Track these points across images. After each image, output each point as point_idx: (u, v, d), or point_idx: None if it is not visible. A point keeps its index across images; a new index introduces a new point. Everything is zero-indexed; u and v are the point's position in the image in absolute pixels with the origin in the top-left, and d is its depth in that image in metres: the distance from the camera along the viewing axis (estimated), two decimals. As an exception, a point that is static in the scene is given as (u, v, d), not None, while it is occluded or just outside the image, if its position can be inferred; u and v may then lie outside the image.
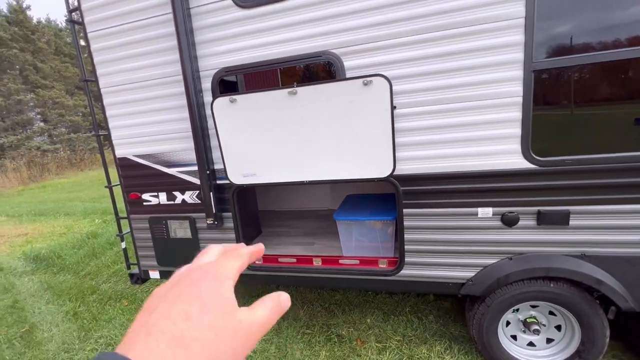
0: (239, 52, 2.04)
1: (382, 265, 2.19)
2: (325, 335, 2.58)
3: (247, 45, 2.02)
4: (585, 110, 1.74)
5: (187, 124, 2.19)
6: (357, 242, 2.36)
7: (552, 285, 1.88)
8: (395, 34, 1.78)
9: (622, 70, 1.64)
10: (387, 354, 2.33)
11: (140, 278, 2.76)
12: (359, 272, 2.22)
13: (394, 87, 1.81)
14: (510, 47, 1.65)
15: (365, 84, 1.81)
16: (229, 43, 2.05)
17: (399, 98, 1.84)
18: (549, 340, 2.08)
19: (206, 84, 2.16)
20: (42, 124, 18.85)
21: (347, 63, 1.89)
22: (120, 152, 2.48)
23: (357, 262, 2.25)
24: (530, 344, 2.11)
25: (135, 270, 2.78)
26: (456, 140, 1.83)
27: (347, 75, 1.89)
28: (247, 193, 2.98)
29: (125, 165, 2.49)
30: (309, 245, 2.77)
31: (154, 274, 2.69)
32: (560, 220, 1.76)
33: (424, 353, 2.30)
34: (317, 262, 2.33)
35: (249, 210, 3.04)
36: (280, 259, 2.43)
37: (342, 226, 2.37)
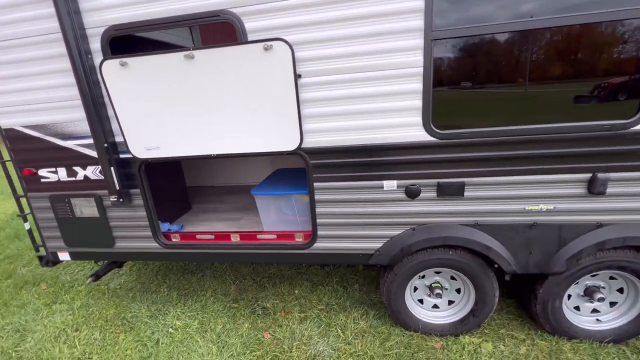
0: (129, 7, 1.79)
1: (299, 239, 2.19)
2: (251, 309, 2.60)
3: (136, -1, 1.77)
4: (483, 84, 1.74)
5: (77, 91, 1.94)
6: (277, 217, 2.33)
7: (451, 252, 1.98)
8: (296, -6, 1.64)
9: (522, 44, 1.65)
10: (308, 322, 2.41)
11: (50, 260, 2.56)
12: (276, 246, 2.20)
13: (298, 54, 1.71)
14: (410, 14, 1.58)
15: (266, 49, 1.68)
16: (115, -4, 1.79)
17: (304, 66, 1.74)
18: (450, 302, 2.24)
19: (95, 44, 1.90)
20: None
21: (249, 25, 1.72)
22: (5, 123, 2.17)
23: (275, 236, 2.23)
24: (435, 306, 2.26)
25: (43, 252, 2.57)
26: (362, 112, 1.78)
27: (250, 39, 1.74)
28: (167, 167, 2.80)
29: (13, 137, 2.19)
30: (235, 220, 2.71)
31: (64, 256, 2.50)
32: (457, 192, 1.83)
33: (341, 320, 2.40)
34: (235, 238, 2.28)
35: (173, 186, 2.88)
36: (198, 236, 2.34)
37: (260, 201, 2.32)
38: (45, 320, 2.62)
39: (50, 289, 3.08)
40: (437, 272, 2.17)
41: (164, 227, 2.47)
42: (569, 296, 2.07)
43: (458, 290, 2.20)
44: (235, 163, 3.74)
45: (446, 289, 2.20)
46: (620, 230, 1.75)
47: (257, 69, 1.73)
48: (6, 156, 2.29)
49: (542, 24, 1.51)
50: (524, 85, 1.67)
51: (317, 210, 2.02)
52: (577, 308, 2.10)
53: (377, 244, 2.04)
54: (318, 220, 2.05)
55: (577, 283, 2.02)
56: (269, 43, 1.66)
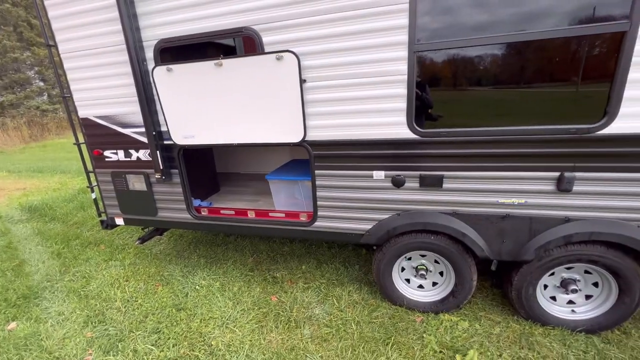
0: (174, 25, 2.27)
1: (302, 218, 2.57)
2: (263, 277, 3.05)
3: (179, 19, 2.24)
4: (459, 89, 1.98)
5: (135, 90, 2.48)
6: (286, 199, 2.73)
7: (432, 237, 2.25)
8: (303, 14, 2.00)
9: (493, 54, 1.86)
10: (309, 291, 2.80)
11: (109, 224, 3.20)
12: (284, 223, 2.61)
13: (304, 62, 2.07)
14: (396, 30, 1.88)
15: (278, 59, 2.06)
16: (164, 16, 2.27)
17: (308, 72, 2.10)
18: (434, 284, 2.50)
19: (149, 54, 2.41)
20: (41, 83, 18.91)
21: (266, 39, 2.12)
22: (82, 113, 2.79)
23: (283, 215, 2.63)
24: (420, 286, 2.54)
25: (104, 217, 3.22)
26: (356, 112, 2.11)
27: (266, 50, 2.14)
28: (200, 154, 3.32)
29: (87, 125, 2.81)
30: (254, 201, 3.16)
31: (119, 221, 3.12)
32: (436, 183, 2.09)
33: (338, 292, 2.76)
34: (251, 214, 2.72)
35: (204, 169, 3.41)
36: (222, 211, 2.82)
37: (273, 185, 2.73)
38: (104, 272, 3.29)
39: (107, 249, 3.79)
40: (423, 256, 2.44)
41: (196, 202, 2.99)
42: (545, 286, 2.24)
43: (441, 273, 2.45)
44: (260, 154, 4.21)
45: (430, 271, 2.46)
46: (587, 225, 1.91)
47: (271, 74, 2.12)
48: (80, 140, 2.93)
49: (505, 39, 1.73)
50: (495, 91, 1.89)
51: (318, 194, 2.39)
52: (553, 298, 2.26)
53: (368, 226, 2.36)
54: (318, 203, 2.41)
55: (553, 274, 2.18)
56: (280, 54, 2.04)
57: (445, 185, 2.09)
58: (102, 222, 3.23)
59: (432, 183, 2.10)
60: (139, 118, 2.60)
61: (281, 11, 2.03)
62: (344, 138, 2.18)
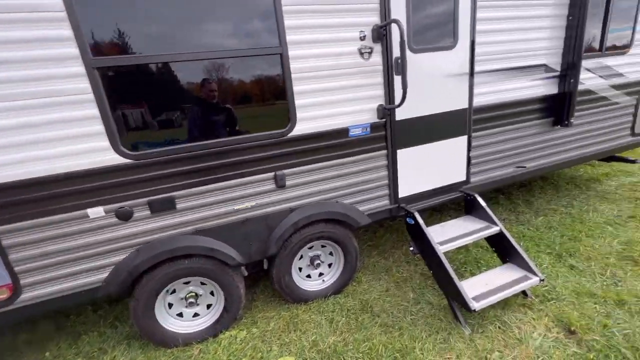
0: None
1: (1, 295, 1.83)
2: (-39, 402, 2.00)
3: None
4: (161, 107, 1.93)
5: None
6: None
7: (186, 262, 2.11)
8: None
9: (180, 73, 1.89)
10: (49, 386, 2.06)
11: None
12: (-35, 313, 1.77)
13: None
14: (61, 41, 1.58)
15: None
16: None
17: None
18: (209, 306, 2.40)
19: None
20: None
21: None
22: None
23: (-37, 301, 1.79)
24: (196, 314, 2.37)
25: None
26: (39, 141, 1.65)
27: None
28: None
29: None
30: None
31: None
32: (169, 206, 1.97)
33: (95, 366, 2.17)
34: None
35: None
36: None
37: None
38: None
39: None
40: (187, 283, 2.27)
41: None
42: (300, 269, 2.59)
43: (212, 293, 2.37)
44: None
45: (201, 295, 2.33)
46: (305, 211, 2.31)
47: None
48: None
49: (189, 57, 1.81)
50: (199, 106, 1.96)
51: (11, 257, 1.75)
52: (308, 276, 2.64)
53: (102, 275, 1.95)
54: (16, 269, 1.77)
55: (301, 257, 2.54)
56: None
57: (179, 206, 1.99)
58: None
59: (164, 207, 1.96)
60: None
61: None
62: (30, 177, 1.67)
